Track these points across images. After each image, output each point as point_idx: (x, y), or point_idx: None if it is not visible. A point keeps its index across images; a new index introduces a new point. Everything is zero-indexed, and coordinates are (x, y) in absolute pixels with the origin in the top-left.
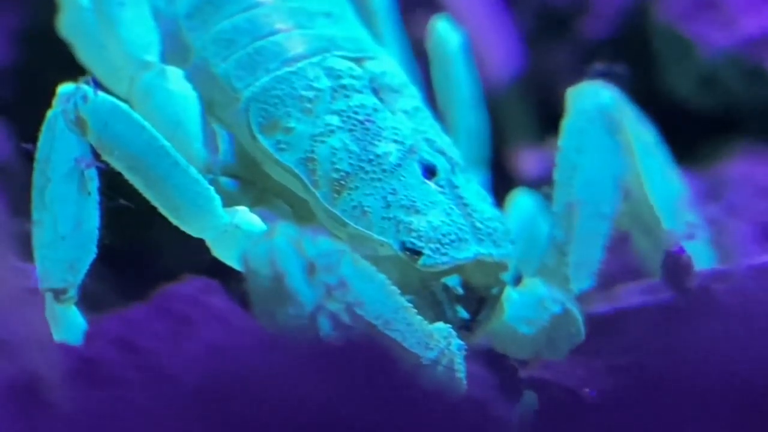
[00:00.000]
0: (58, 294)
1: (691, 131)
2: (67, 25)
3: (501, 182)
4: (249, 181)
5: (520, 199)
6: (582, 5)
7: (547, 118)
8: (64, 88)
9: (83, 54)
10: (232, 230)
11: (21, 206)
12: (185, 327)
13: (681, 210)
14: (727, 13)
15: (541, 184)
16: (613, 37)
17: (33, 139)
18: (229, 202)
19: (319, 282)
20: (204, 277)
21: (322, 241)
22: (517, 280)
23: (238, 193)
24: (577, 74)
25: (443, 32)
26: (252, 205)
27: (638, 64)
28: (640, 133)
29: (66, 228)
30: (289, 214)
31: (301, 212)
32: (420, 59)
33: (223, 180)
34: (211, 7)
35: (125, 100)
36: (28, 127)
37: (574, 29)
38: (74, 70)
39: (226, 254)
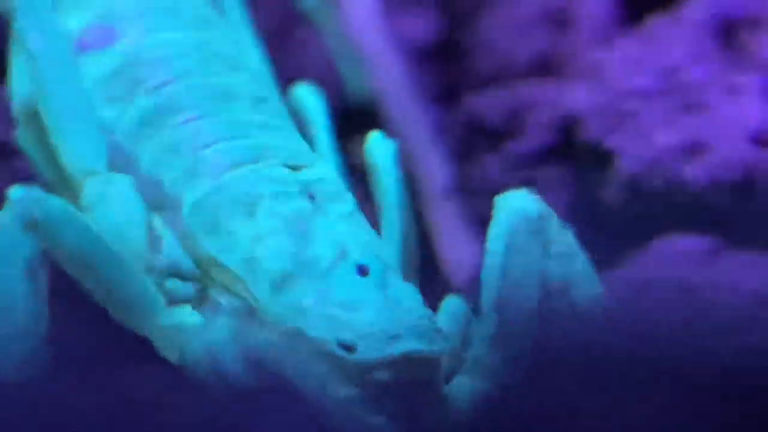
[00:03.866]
0: None
1: (616, 234)
2: (22, 137)
3: (433, 285)
4: (193, 282)
5: (451, 301)
6: (514, 123)
7: (481, 225)
8: (15, 191)
9: (37, 162)
10: (174, 328)
11: None
12: None
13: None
14: (642, 129)
15: (472, 286)
16: (542, 150)
17: None
18: (173, 302)
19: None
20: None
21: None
22: (449, 377)
23: (182, 294)
24: (506, 184)
25: (375, 144)
26: (196, 305)
27: (565, 173)
28: (561, 237)
29: (18, 328)
30: (232, 312)
31: (243, 310)
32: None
33: (168, 282)
34: (156, 119)
35: (76, 206)
36: None
37: (506, 144)
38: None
39: (168, 351)
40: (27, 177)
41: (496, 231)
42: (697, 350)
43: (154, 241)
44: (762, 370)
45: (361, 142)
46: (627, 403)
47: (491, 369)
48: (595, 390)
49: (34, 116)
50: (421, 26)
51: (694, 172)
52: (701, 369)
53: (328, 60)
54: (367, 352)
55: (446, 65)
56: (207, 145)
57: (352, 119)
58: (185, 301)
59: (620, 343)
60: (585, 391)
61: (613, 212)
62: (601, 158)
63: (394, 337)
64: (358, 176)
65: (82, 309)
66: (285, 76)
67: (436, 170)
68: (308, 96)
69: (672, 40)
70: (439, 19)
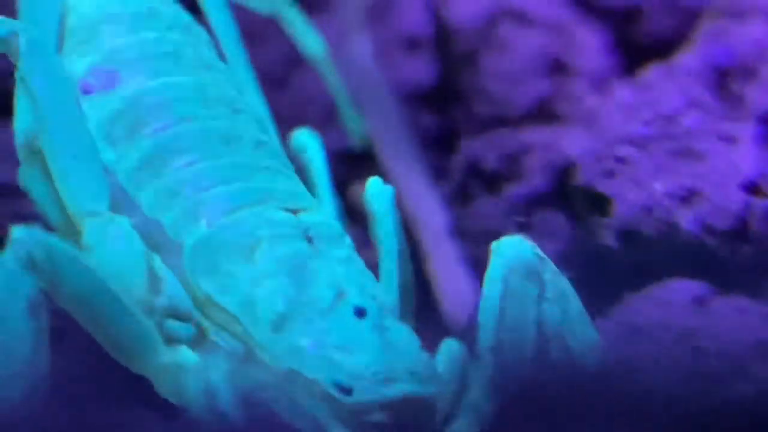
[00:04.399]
0: None
1: (611, 279)
2: (25, 176)
3: (431, 328)
4: (192, 322)
5: (449, 344)
6: (510, 167)
7: (478, 268)
8: (16, 230)
9: (40, 202)
10: (173, 368)
11: None
12: None
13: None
14: (637, 175)
15: (469, 329)
16: (538, 195)
17: None
18: (172, 342)
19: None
20: None
21: None
22: (446, 420)
23: (181, 334)
24: (503, 227)
25: (373, 189)
26: (195, 345)
27: (561, 218)
28: (556, 282)
29: (19, 366)
30: (230, 353)
31: (241, 351)
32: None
33: (167, 322)
34: (157, 161)
35: (77, 246)
36: None
37: (503, 188)
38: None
39: (166, 391)
40: (30, 217)
41: (492, 275)
42: (692, 396)
43: (154, 282)
44: (757, 417)
45: (363, 187)
46: None
47: (487, 412)
48: None
49: (37, 155)
50: (420, 71)
51: (688, 219)
52: (696, 415)
53: (329, 105)
54: (363, 394)
55: (444, 110)
56: (207, 188)
57: (354, 164)
58: (184, 341)
59: (615, 388)
60: None
61: (608, 257)
62: (596, 203)
63: (390, 380)
64: (359, 220)
65: (82, 347)
66: (285, 121)
67: (433, 214)
68: (308, 141)
69: (667, 89)
70: (438, 65)
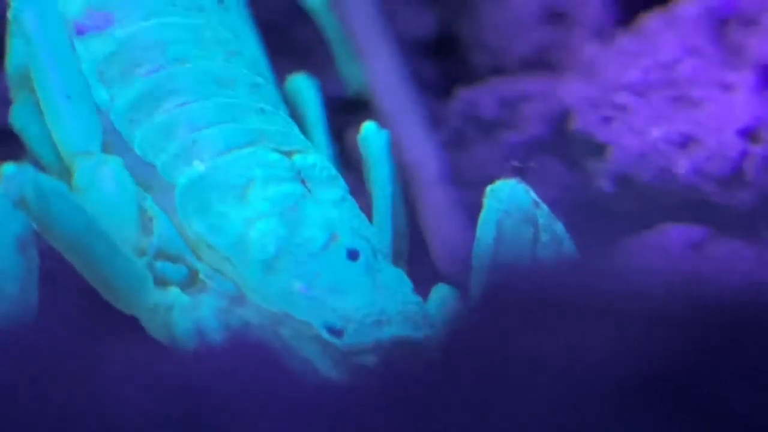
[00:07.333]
0: None
1: (606, 225)
2: (17, 116)
3: (423, 273)
4: (184, 263)
5: (441, 289)
6: (508, 115)
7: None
8: (7, 168)
9: (32, 143)
10: (163, 309)
11: None
12: None
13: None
14: (634, 122)
15: (462, 274)
16: (535, 142)
17: None
18: (163, 283)
19: None
20: None
21: None
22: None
23: (172, 275)
24: (499, 174)
25: (369, 134)
26: (186, 287)
27: (560, 164)
28: (551, 226)
29: (8, 303)
30: (221, 294)
31: (232, 292)
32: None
33: (159, 263)
34: (151, 102)
35: (68, 186)
36: None
37: (500, 136)
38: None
39: (157, 331)
40: (22, 158)
41: (487, 219)
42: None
43: (145, 223)
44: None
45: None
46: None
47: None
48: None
49: (29, 95)
50: (420, 20)
51: (684, 165)
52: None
53: (326, 51)
54: (354, 336)
55: (443, 58)
56: (201, 129)
57: (350, 112)
58: (175, 282)
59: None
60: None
61: (605, 203)
62: (593, 150)
63: (382, 323)
64: (354, 166)
65: (72, 286)
66: (282, 67)
67: (429, 159)
68: (304, 86)
69: (665, 36)
70: (438, 14)
